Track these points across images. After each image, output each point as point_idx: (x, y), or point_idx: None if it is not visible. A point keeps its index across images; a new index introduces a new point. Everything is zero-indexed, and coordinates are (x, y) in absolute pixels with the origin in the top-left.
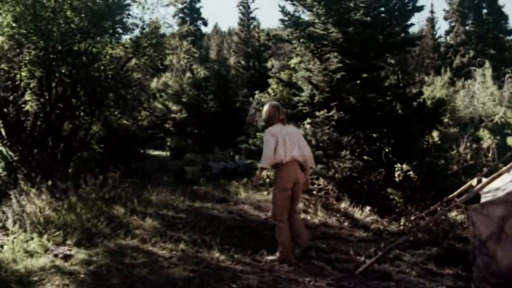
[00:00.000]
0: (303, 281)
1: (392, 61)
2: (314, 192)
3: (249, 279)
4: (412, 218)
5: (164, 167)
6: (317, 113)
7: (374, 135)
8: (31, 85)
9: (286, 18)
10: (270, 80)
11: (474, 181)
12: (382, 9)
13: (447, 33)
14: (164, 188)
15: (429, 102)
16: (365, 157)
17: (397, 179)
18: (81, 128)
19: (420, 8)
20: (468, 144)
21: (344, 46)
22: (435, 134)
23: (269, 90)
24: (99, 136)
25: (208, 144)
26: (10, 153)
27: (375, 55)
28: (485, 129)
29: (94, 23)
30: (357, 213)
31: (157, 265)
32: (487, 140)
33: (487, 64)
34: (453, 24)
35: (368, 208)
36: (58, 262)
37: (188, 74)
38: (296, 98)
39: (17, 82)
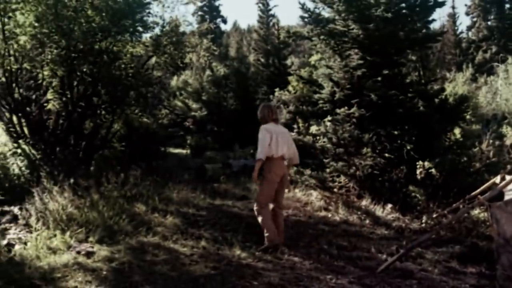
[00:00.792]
0: (324, 279)
1: (413, 58)
2: (335, 190)
3: (270, 276)
4: (434, 215)
5: (185, 165)
6: (338, 111)
7: (396, 132)
8: (53, 84)
9: (306, 15)
10: (290, 78)
11: (497, 179)
12: (403, 5)
13: (469, 28)
14: (184, 186)
15: (451, 99)
16: (387, 155)
17: (418, 177)
18: (102, 126)
19: (442, 4)
20: (491, 141)
21: (365, 42)
22: (457, 131)
23: (289, 88)
24: (120, 134)
25: (228, 141)
26: (33, 151)
27: (396, 51)
28: (508, 126)
29: (115, 22)
30: (379, 211)
31: (179, 262)
32: (510, 137)
33: (510, 59)
34: (475, 19)
35: (389, 205)
36: (81, 259)
37: (207, 72)
38: (316, 96)
39: (40, 81)
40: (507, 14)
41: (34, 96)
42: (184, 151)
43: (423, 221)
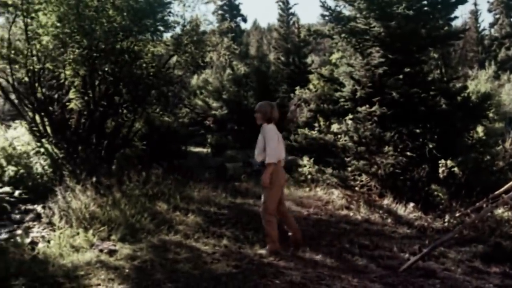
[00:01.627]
0: (346, 278)
1: (435, 55)
2: (357, 188)
3: (292, 275)
4: (457, 215)
5: (205, 164)
6: (359, 109)
7: (418, 130)
8: (75, 84)
9: (327, 13)
10: (311, 76)
11: None
12: (425, 2)
13: (491, 25)
14: (205, 184)
15: (473, 97)
16: (408, 153)
17: (441, 175)
18: (124, 125)
19: (464, 1)
20: None
21: (386, 40)
22: (480, 129)
23: (310, 86)
24: (141, 133)
25: (249, 140)
26: (56, 150)
27: (418, 49)
28: None
29: (136, 21)
30: (400, 210)
31: (200, 261)
32: None
33: None
34: (497, 16)
35: (411, 204)
36: (103, 257)
37: (228, 71)
38: (337, 94)
39: (62, 81)
40: None
41: (56, 96)
42: (204, 150)
43: (446, 220)
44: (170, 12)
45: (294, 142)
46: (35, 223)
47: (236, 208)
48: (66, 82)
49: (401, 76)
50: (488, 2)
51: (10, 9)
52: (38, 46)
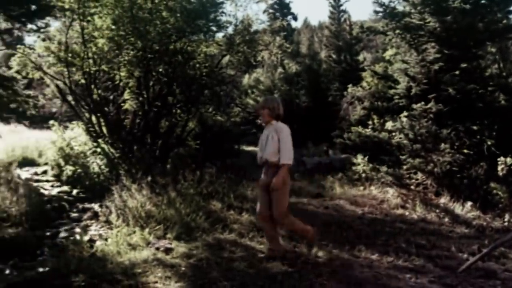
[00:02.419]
0: (403, 278)
1: (493, 50)
2: (412, 187)
3: (348, 275)
4: None
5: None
6: (414, 106)
7: (475, 127)
8: (130, 85)
9: (380, 9)
10: (364, 74)
11: None
12: None
13: None
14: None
15: None
16: (466, 151)
17: (500, 173)
18: (177, 125)
19: None
20: None
21: (442, 35)
22: None
23: (363, 84)
24: (195, 132)
25: (301, 139)
26: (112, 150)
27: (475, 44)
28: None
29: (189, 22)
30: (458, 209)
31: (256, 259)
32: None
33: None
34: None
35: (469, 203)
36: (160, 255)
37: (279, 70)
38: (392, 91)
39: (117, 82)
40: None
41: (111, 97)
42: (257, 149)
43: (506, 219)
44: (222, 12)
45: (347, 140)
46: (92, 221)
47: (289, 207)
48: (121, 83)
49: (457, 72)
50: None
51: (67, 13)
52: (94, 48)
